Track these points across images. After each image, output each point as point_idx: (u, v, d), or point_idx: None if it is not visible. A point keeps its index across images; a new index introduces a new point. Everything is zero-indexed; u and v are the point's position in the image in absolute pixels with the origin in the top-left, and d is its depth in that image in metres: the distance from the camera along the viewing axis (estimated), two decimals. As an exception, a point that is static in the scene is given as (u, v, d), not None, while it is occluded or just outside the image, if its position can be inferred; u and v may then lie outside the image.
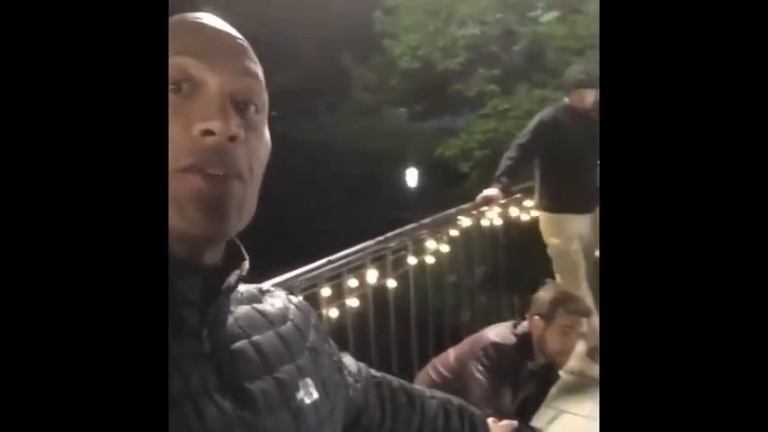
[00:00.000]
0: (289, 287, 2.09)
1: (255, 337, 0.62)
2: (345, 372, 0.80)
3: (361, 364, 0.87)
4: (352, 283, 2.40)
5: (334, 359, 0.77)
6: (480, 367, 1.99)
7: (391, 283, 2.58)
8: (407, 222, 2.74)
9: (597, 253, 3.70)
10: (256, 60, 0.61)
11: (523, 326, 2.10)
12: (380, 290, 2.55)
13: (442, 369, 2.12)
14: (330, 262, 2.30)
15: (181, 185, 0.54)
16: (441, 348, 2.92)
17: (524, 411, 2.11)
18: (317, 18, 12.12)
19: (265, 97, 0.61)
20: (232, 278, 0.60)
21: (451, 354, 2.16)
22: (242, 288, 0.67)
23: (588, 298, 3.40)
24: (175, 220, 0.54)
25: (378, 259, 2.55)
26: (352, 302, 2.39)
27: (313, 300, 2.27)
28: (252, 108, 0.59)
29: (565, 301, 2.07)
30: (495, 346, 2.01)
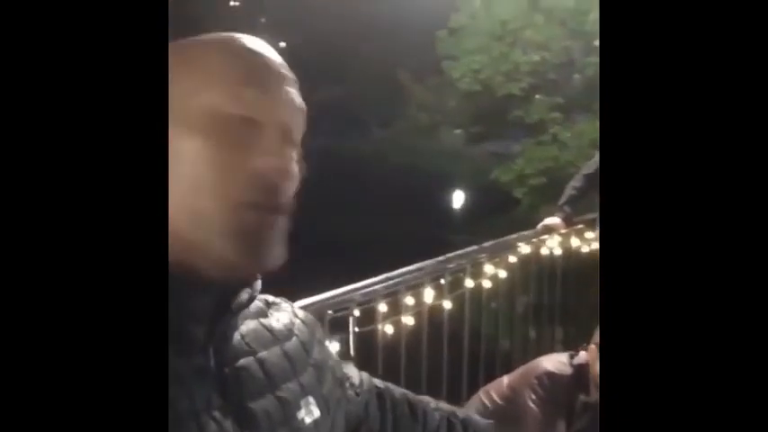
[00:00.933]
0: (345, 301, 2.09)
1: (261, 354, 0.63)
2: (347, 384, 0.79)
3: (364, 374, 0.86)
4: (409, 300, 2.38)
5: (337, 375, 0.76)
6: (534, 396, 1.96)
7: (447, 304, 2.55)
8: (455, 245, 2.71)
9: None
10: (298, 92, 0.62)
11: (580, 357, 2.04)
12: (436, 310, 2.52)
13: (494, 396, 2.09)
14: (388, 278, 2.28)
15: (238, 219, 0.55)
16: (490, 372, 2.87)
17: None
18: (376, 31, 12.22)
19: (304, 127, 0.62)
20: (243, 296, 0.61)
21: (505, 381, 2.13)
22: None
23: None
24: (228, 252, 0.55)
25: (435, 279, 2.52)
26: (408, 320, 2.37)
27: (370, 314, 2.26)
28: (298, 141, 0.60)
29: None
30: (550, 375, 1.98)
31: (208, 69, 0.56)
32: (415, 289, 2.43)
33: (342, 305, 2.06)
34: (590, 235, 3.42)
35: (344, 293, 2.08)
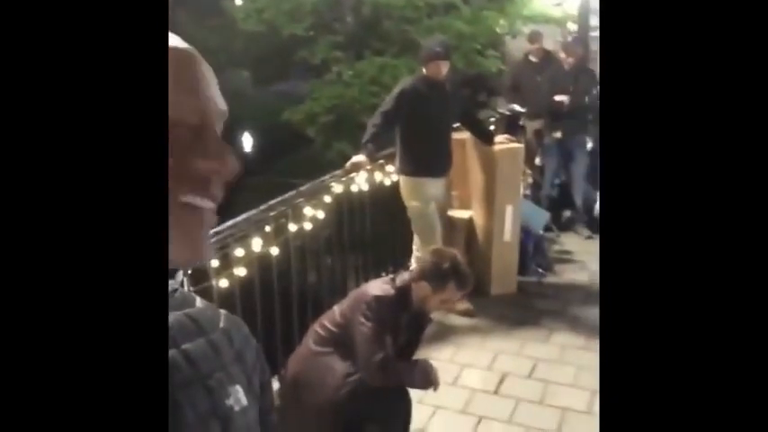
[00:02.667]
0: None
1: (185, 346, 0.62)
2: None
3: None
4: (239, 252, 2.42)
5: (259, 365, 0.76)
6: (363, 319, 2.15)
7: (274, 251, 2.63)
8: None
9: (449, 213, 4.06)
10: None
11: (402, 279, 2.27)
12: (264, 258, 2.59)
13: (328, 325, 2.25)
14: (216, 233, 2.29)
15: (177, 218, 0.54)
16: (318, 310, 3.04)
17: (403, 354, 2.33)
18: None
19: None
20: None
21: (336, 310, 2.30)
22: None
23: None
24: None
25: (260, 228, 2.58)
26: (240, 272, 2.41)
27: (202, 271, 2.26)
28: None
29: (457, 275, 2.24)
30: (377, 299, 2.18)
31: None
32: (243, 240, 2.47)
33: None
34: (390, 168, 3.71)
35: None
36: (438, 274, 2.24)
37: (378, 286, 2.26)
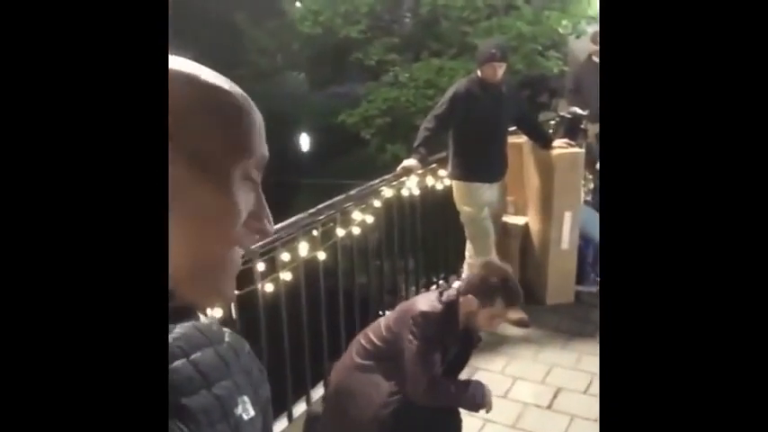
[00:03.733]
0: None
1: (194, 356, 0.64)
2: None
3: None
4: (285, 256, 2.40)
5: (264, 384, 0.78)
6: (410, 336, 2.08)
7: (322, 256, 2.60)
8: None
9: (504, 219, 3.94)
10: None
11: (449, 294, 2.18)
12: (311, 263, 2.56)
13: (374, 338, 2.20)
14: (263, 236, 2.27)
15: (217, 260, 0.58)
16: (365, 317, 3.00)
17: (452, 371, 2.25)
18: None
19: None
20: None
21: (382, 323, 2.24)
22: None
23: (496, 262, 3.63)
24: (189, 292, 0.58)
25: (307, 232, 2.55)
26: (286, 276, 2.39)
27: (248, 275, 2.24)
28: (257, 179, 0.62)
29: (506, 291, 2.13)
30: (424, 315, 2.10)
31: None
32: (290, 244, 2.44)
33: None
34: (442, 173, 3.63)
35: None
36: (485, 288, 2.13)
37: (425, 301, 2.18)
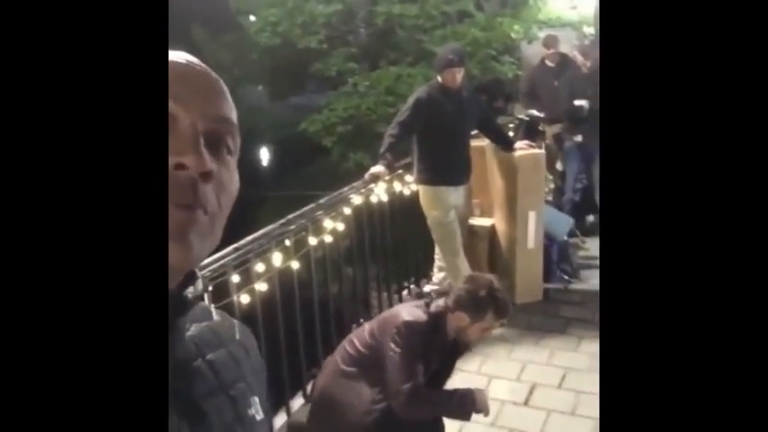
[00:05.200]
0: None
1: (209, 356, 0.64)
2: None
3: None
4: (260, 267, 2.39)
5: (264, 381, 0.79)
6: (393, 345, 2.05)
7: (295, 265, 2.60)
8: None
9: (470, 221, 4.00)
10: (232, 105, 0.63)
11: (437, 305, 2.14)
12: (286, 273, 2.56)
13: (358, 344, 2.17)
14: (237, 249, 2.26)
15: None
16: (341, 325, 3.00)
17: (436, 383, 2.20)
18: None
19: (238, 141, 0.64)
20: (188, 296, 0.62)
21: (366, 329, 2.21)
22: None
23: (464, 264, 3.67)
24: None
25: (280, 243, 2.55)
26: (261, 287, 2.38)
27: (223, 288, 2.23)
28: (224, 149, 0.62)
29: (495, 303, 2.11)
30: (407, 324, 2.07)
31: None
32: (264, 255, 2.44)
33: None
34: (409, 178, 3.67)
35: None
36: (475, 303, 2.10)
37: (409, 311, 2.14)
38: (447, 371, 2.30)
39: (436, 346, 2.14)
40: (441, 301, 2.17)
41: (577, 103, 4.84)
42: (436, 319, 2.12)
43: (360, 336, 2.20)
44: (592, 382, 3.04)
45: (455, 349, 2.27)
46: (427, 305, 2.17)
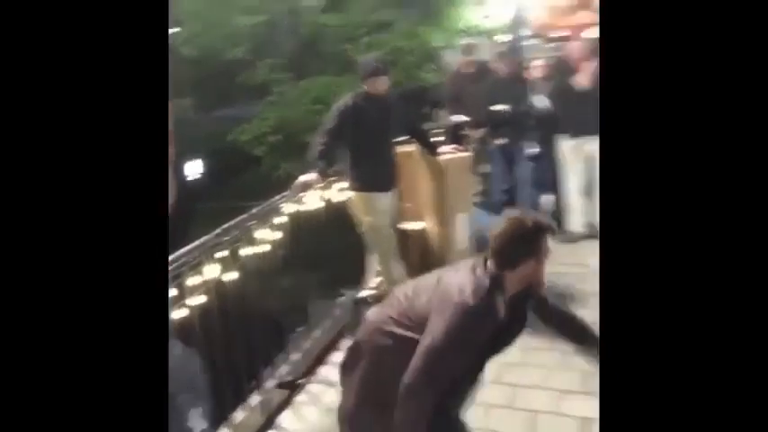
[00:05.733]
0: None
1: None
2: None
3: None
4: (195, 280, 2.37)
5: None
6: (440, 321, 1.73)
7: (230, 276, 2.59)
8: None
9: (402, 225, 4.08)
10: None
11: (490, 271, 1.79)
12: (221, 284, 2.55)
13: (409, 314, 1.83)
14: (171, 262, 2.24)
15: None
16: (279, 333, 3.00)
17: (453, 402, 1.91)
18: None
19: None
20: None
21: (417, 303, 1.84)
22: None
23: (398, 269, 3.74)
24: None
25: (213, 255, 2.53)
26: (197, 300, 2.36)
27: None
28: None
29: (543, 227, 1.79)
30: (463, 306, 1.72)
31: None
32: (197, 268, 2.42)
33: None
34: (342, 185, 3.71)
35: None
36: (530, 240, 1.76)
37: (460, 286, 1.74)
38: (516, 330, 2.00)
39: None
40: (486, 267, 1.81)
41: (495, 108, 5.03)
42: (491, 294, 1.75)
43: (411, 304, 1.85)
44: (526, 376, 3.11)
45: (516, 319, 1.94)
46: (478, 275, 1.79)
